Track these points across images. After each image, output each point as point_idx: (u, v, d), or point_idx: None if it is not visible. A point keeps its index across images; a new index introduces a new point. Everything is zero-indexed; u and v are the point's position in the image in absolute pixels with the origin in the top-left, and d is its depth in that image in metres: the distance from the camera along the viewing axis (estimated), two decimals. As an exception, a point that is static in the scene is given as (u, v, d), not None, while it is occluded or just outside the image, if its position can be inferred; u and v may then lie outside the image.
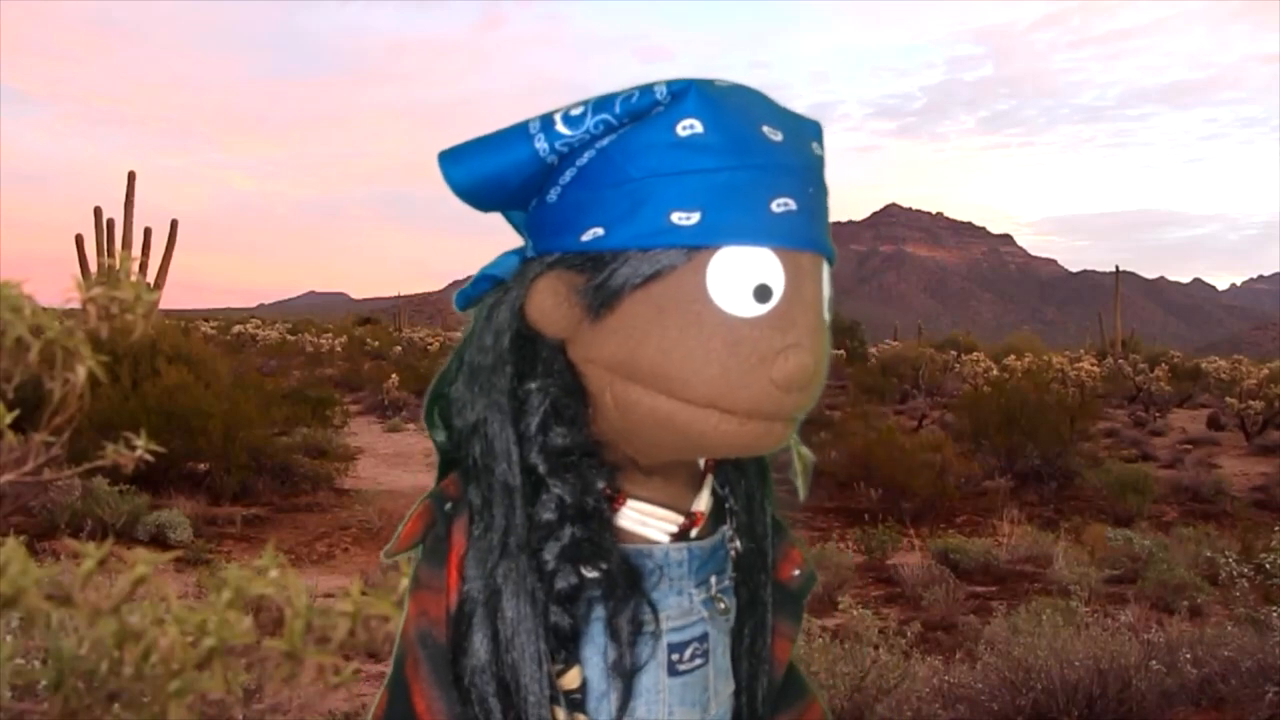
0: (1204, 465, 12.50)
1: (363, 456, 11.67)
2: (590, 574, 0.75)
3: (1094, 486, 10.34)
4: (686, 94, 0.72)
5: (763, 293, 0.71)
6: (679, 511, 0.80)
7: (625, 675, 0.75)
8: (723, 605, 0.83)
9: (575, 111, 0.74)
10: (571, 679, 0.75)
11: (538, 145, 0.75)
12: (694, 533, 0.81)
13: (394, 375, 18.32)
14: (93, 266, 15.05)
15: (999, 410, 11.98)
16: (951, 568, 7.08)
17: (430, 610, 0.75)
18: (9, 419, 0.54)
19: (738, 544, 0.85)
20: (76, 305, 0.55)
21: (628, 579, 0.76)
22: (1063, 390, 13.49)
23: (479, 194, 0.78)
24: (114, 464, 0.57)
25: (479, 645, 0.73)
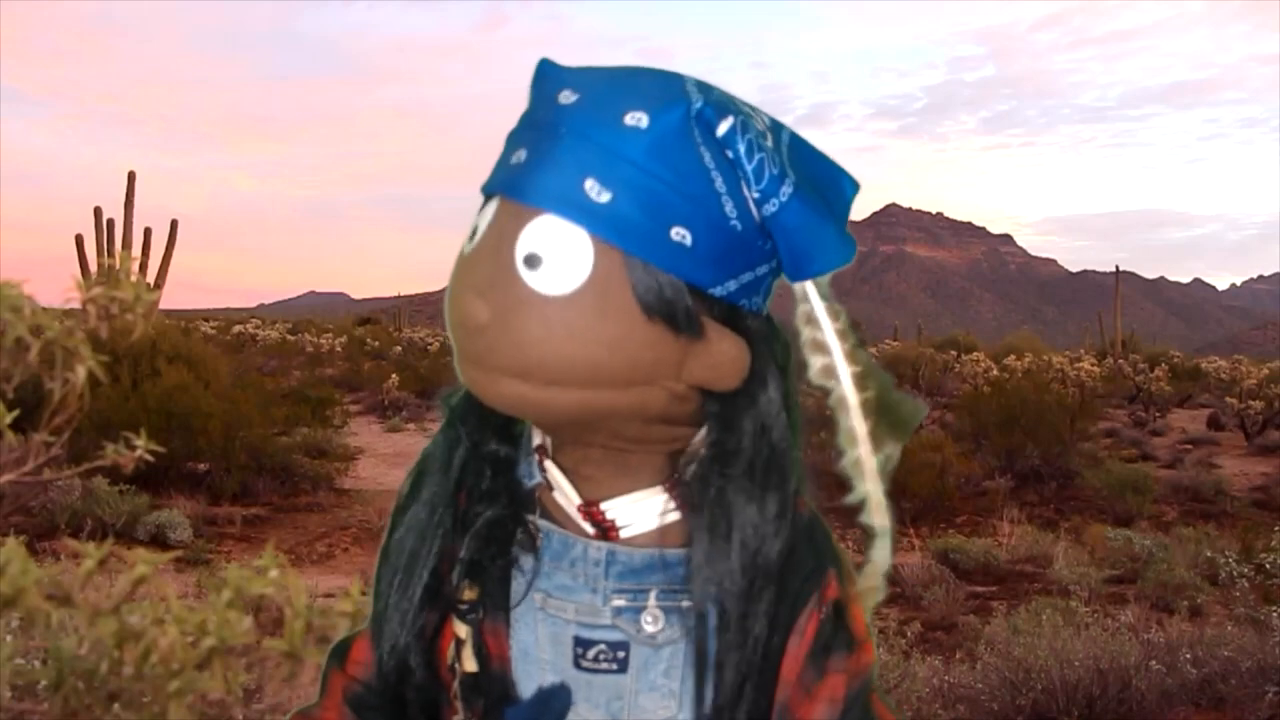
0: (1204, 465, 12.49)
1: (363, 456, 11.67)
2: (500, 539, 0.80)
3: (1094, 486, 10.33)
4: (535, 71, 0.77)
5: (474, 234, 0.75)
6: (580, 494, 0.79)
7: (491, 613, 0.79)
8: (650, 619, 0.77)
9: None
10: (468, 593, 0.80)
11: None
12: (624, 534, 0.78)
13: (394, 375, 18.31)
14: (93, 266, 15.05)
15: (999, 410, 11.99)
16: (951, 568, 7.08)
17: None
18: (9, 419, 0.54)
19: (691, 568, 0.77)
20: (76, 305, 0.55)
21: (515, 516, 0.80)
22: (1063, 390, 13.48)
23: None
24: (114, 464, 0.57)
25: (392, 541, 0.82)
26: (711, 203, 0.72)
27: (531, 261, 0.70)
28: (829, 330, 0.79)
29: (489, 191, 0.74)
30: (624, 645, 0.78)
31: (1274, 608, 4.60)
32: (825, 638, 0.78)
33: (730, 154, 0.72)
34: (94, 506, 7.36)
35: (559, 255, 0.70)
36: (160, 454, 0.58)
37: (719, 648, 0.76)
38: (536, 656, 0.79)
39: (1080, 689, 4.02)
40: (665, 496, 0.78)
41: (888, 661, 3.86)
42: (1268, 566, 5.23)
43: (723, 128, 0.71)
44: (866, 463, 0.79)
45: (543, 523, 0.80)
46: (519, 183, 0.71)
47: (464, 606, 0.79)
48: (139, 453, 0.58)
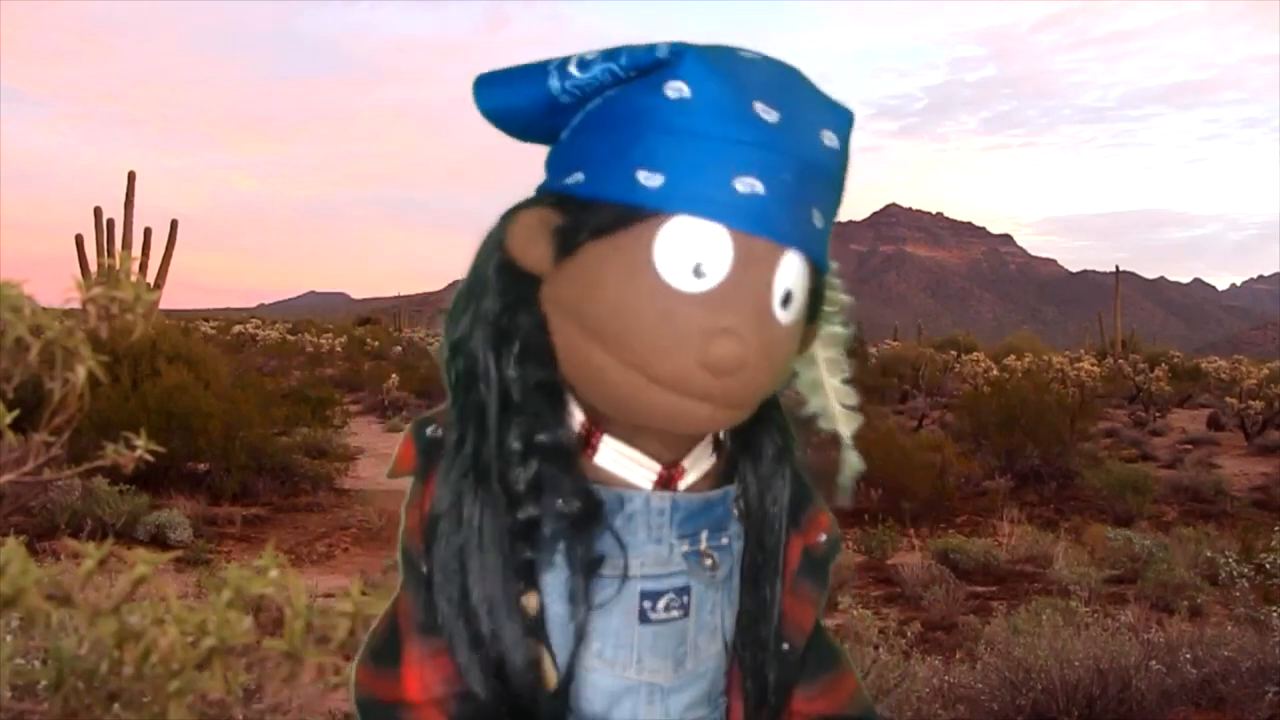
0: (1204, 465, 12.49)
1: (362, 456, 11.66)
2: (551, 508, 0.76)
3: (1094, 486, 10.33)
4: (683, 57, 0.72)
5: (702, 270, 0.71)
6: (659, 460, 0.80)
7: (580, 610, 0.76)
8: (710, 561, 0.82)
9: (589, 57, 0.75)
10: (530, 604, 0.76)
11: (551, 84, 0.77)
12: (683, 484, 0.81)
13: (394, 375, 18.32)
14: (93, 266, 15.05)
15: (999, 410, 11.98)
16: (951, 568, 7.08)
17: (410, 522, 0.80)
18: (9, 419, 0.54)
19: (744, 504, 0.84)
20: (76, 305, 0.55)
21: (587, 517, 0.76)
22: (1063, 390, 13.47)
23: (500, 121, 0.82)
24: (114, 464, 0.57)
25: (442, 553, 0.76)
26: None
27: (787, 300, 0.74)
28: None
29: (714, 219, 0.70)
30: (686, 590, 0.81)
31: (1274, 608, 4.60)
32: (818, 558, 0.88)
33: None
34: (94, 506, 7.36)
35: (801, 288, 0.75)
36: (160, 454, 0.58)
37: (767, 547, 0.84)
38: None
39: (1080, 689, 4.02)
40: (711, 445, 0.84)
41: (888, 662, 3.86)
42: (1268, 566, 5.23)
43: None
44: (826, 382, 0.90)
45: (589, 484, 0.78)
46: (769, 221, 0.71)
47: (534, 623, 0.76)
48: (139, 453, 0.58)
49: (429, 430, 0.81)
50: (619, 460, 0.79)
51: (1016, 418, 11.56)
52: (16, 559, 0.48)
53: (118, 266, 0.56)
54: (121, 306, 0.54)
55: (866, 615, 4.33)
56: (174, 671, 0.49)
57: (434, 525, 0.77)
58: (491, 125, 0.81)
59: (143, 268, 14.05)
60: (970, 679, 4.20)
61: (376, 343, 28.95)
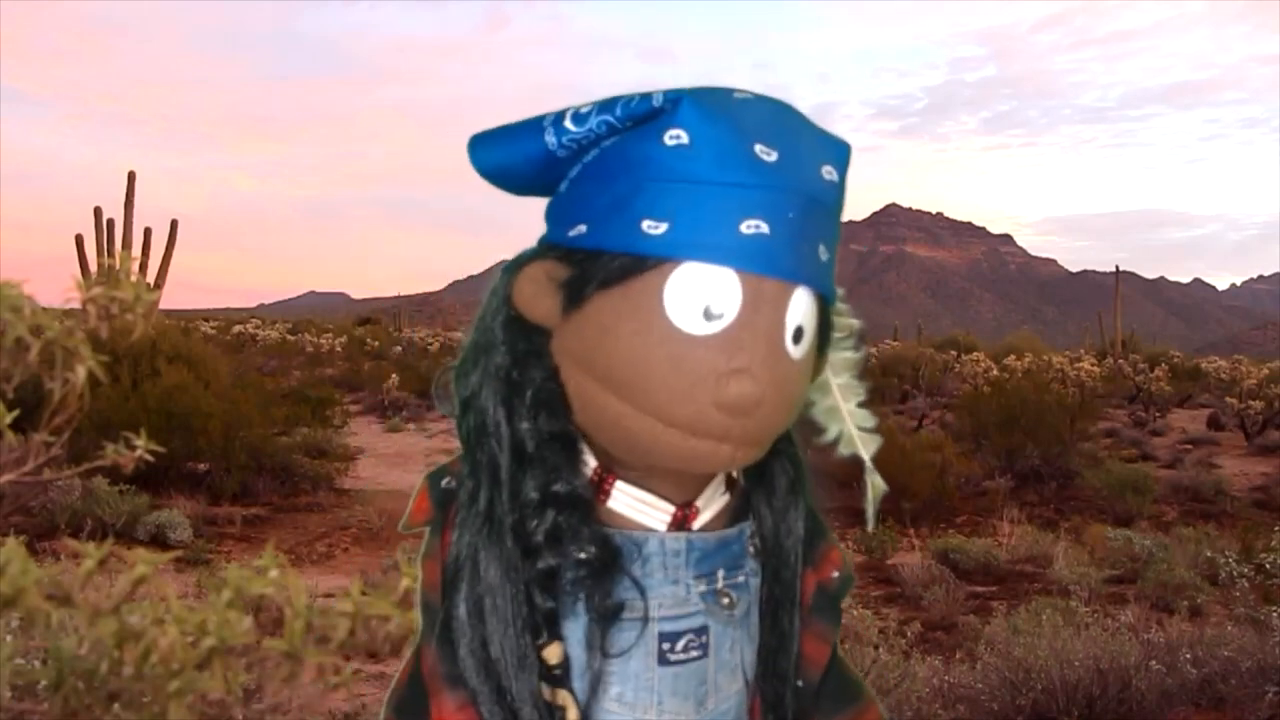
0: (1204, 465, 12.49)
1: (363, 456, 11.66)
2: (570, 556, 0.76)
3: (1094, 486, 10.33)
4: (680, 104, 0.72)
5: (712, 313, 0.71)
6: (673, 502, 0.80)
7: (600, 657, 0.76)
8: (727, 600, 0.82)
9: (584, 110, 0.76)
10: (553, 654, 0.76)
11: (547, 140, 0.77)
12: (697, 524, 0.81)
13: (394, 375, 18.31)
14: (93, 266, 15.05)
15: (999, 410, 11.99)
16: (951, 568, 7.08)
17: (429, 575, 0.79)
18: (9, 419, 0.54)
19: (758, 541, 0.85)
20: (76, 305, 0.55)
21: (606, 564, 0.77)
22: (1063, 390, 13.47)
23: (497, 179, 0.82)
24: (114, 464, 0.57)
25: (460, 608, 0.76)
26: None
27: (798, 335, 0.75)
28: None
29: (721, 263, 0.71)
30: (704, 630, 0.81)
31: (1274, 608, 4.60)
32: (831, 594, 0.88)
33: None
34: (94, 506, 7.36)
35: (811, 323, 0.76)
36: (160, 454, 0.58)
37: (783, 584, 0.85)
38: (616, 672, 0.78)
39: (1080, 689, 4.02)
40: (723, 483, 0.84)
41: (888, 662, 3.86)
42: (1268, 566, 5.23)
43: None
44: (842, 407, 0.89)
45: (606, 530, 0.79)
46: (776, 260, 0.71)
47: (559, 673, 0.76)
48: (139, 453, 0.58)
49: (444, 482, 0.81)
50: (632, 504, 0.79)
51: (1016, 418, 11.56)
52: (16, 559, 0.48)
53: (118, 266, 0.56)
54: (121, 306, 0.54)
55: (866, 615, 4.33)
56: (174, 671, 0.49)
57: (452, 579, 0.77)
58: (489, 183, 0.82)
59: (143, 268, 14.05)
60: (970, 679, 4.20)
61: (376, 343, 28.94)
